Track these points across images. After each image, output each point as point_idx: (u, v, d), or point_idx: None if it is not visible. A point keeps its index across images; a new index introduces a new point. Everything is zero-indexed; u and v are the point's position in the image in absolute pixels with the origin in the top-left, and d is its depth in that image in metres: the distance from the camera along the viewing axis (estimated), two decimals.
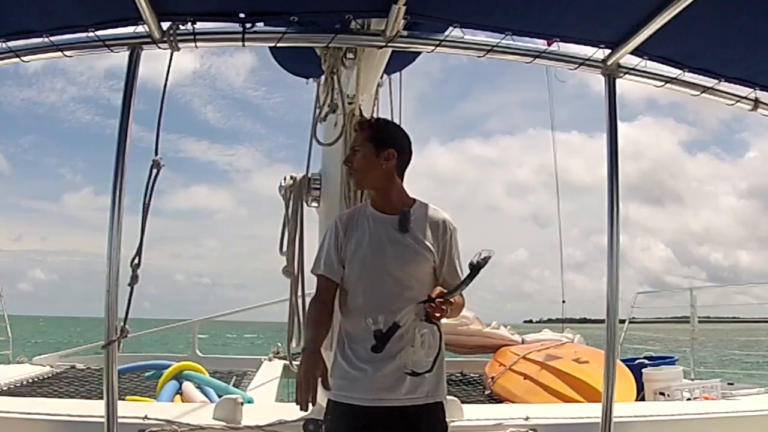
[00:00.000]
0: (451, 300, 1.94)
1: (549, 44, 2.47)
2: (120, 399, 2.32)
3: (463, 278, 1.93)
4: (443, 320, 2.03)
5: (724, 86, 2.63)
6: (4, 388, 4.66)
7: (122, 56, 2.31)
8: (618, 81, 2.58)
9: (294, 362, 3.61)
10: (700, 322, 6.31)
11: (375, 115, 3.57)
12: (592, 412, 2.79)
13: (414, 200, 2.16)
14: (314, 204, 3.39)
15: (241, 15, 2.24)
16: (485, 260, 1.85)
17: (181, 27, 2.24)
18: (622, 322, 6.47)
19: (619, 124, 2.57)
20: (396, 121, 3.61)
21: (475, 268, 1.86)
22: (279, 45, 2.38)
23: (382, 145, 2.12)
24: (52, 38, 2.25)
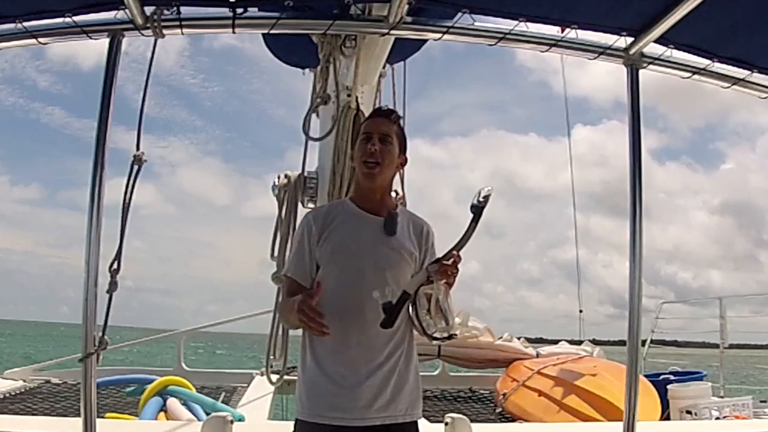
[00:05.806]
0: (460, 256, 1.85)
1: (562, 31, 2.46)
2: (99, 416, 2.32)
3: (467, 226, 1.84)
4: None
5: (757, 77, 2.61)
6: None
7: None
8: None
9: (273, 375, 3.63)
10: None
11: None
12: (613, 431, 2.78)
13: (397, 204, 2.14)
14: (310, 204, 3.39)
15: None
16: (486, 199, 1.79)
17: (166, 12, 2.23)
18: (643, 344, 6.45)
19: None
20: (399, 113, 3.61)
21: (478, 210, 1.80)
22: (272, 32, 2.38)
23: (403, 148, 2.11)
24: (26, 24, 2.25)
